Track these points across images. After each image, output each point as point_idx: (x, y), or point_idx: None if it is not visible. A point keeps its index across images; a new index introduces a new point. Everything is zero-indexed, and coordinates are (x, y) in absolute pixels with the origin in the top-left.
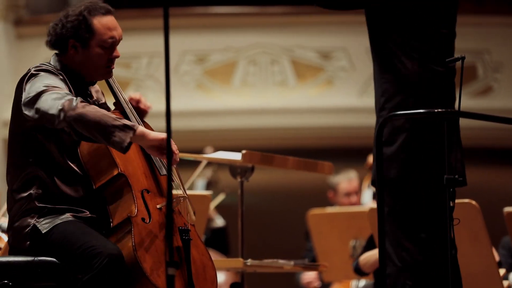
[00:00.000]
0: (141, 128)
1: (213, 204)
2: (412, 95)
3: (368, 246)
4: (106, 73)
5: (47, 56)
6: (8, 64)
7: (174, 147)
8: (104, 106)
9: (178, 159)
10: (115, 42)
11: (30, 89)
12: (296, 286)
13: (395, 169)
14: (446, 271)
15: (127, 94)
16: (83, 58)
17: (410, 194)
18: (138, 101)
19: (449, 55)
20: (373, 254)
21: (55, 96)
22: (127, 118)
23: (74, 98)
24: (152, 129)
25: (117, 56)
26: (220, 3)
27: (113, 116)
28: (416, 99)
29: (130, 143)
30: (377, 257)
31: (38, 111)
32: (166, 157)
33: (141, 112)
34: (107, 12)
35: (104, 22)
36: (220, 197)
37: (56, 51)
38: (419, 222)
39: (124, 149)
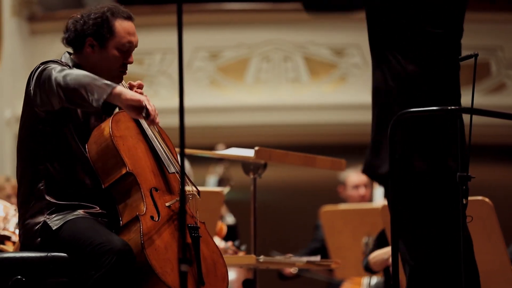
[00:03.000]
0: (119, 87)
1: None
2: (410, 94)
3: (379, 242)
4: (117, 76)
5: (61, 52)
6: (21, 60)
7: (151, 106)
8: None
9: (158, 120)
10: (131, 47)
11: (38, 79)
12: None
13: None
14: (461, 269)
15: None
16: (99, 58)
17: (425, 192)
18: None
19: (449, 54)
20: (382, 253)
21: (48, 69)
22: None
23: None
24: (166, 136)
25: (131, 62)
26: None
27: (95, 76)
28: (414, 97)
29: (107, 104)
30: (386, 256)
31: (39, 87)
32: (179, 155)
33: None
34: (128, 17)
35: (125, 26)
36: (226, 190)
37: (69, 49)
38: (434, 220)
39: (102, 107)
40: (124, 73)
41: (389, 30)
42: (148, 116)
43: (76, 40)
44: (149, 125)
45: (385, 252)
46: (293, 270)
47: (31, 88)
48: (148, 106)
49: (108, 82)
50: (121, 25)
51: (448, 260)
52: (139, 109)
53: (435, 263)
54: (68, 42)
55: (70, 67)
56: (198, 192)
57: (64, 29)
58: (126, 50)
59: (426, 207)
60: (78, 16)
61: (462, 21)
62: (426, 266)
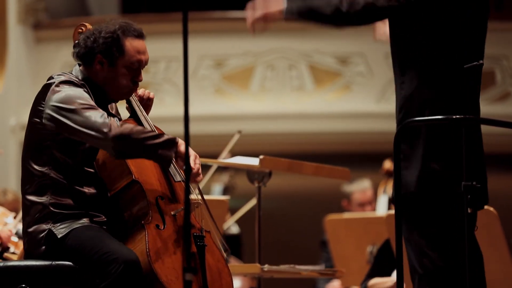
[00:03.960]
0: (180, 141)
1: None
2: (441, 107)
3: (383, 251)
4: (127, 93)
5: (66, 60)
6: (27, 68)
7: (197, 166)
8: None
9: (201, 178)
10: (141, 65)
11: (58, 101)
12: None
13: (417, 177)
14: (468, 277)
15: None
16: (108, 76)
17: (432, 202)
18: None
19: (475, 56)
20: (382, 282)
21: (94, 116)
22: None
23: (112, 119)
24: (163, 132)
25: (140, 80)
26: (239, 7)
27: (154, 133)
28: (442, 103)
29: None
30: (385, 286)
31: (72, 127)
32: (184, 164)
33: (148, 106)
34: (139, 36)
35: (135, 44)
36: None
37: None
38: (442, 230)
39: (169, 164)
40: (134, 90)
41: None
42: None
43: (86, 56)
44: (191, 182)
45: (385, 281)
46: None
47: (54, 111)
48: (194, 166)
49: (169, 137)
50: (132, 44)
51: (457, 269)
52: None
53: (445, 272)
54: (78, 57)
55: (86, 87)
56: (205, 201)
57: (76, 44)
58: (136, 69)
59: (435, 216)
60: (90, 31)
61: (483, 46)
62: (435, 275)
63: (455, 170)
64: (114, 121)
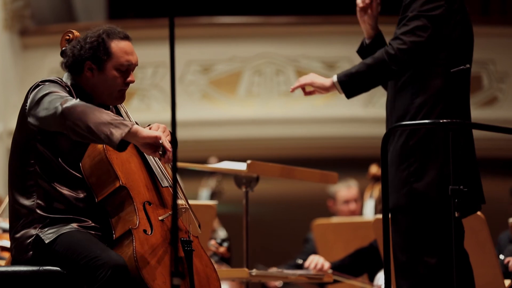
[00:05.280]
0: (135, 126)
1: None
2: (442, 109)
3: (368, 249)
4: (119, 97)
5: (53, 66)
6: (13, 74)
7: (166, 144)
8: None
9: (171, 158)
10: (130, 66)
11: (34, 97)
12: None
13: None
14: (460, 282)
15: (131, 104)
16: (98, 81)
17: (433, 207)
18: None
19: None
20: None
21: (54, 97)
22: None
23: (74, 98)
24: None
25: (132, 81)
26: (226, 13)
27: (110, 113)
28: (445, 114)
29: (125, 142)
30: None
31: (38, 115)
32: (172, 169)
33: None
34: (125, 37)
35: (122, 46)
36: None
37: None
38: (435, 235)
39: (118, 147)
40: (125, 91)
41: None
42: (164, 154)
43: (74, 65)
44: (164, 163)
45: None
46: (278, 284)
47: (30, 107)
48: (165, 144)
49: (124, 121)
50: (118, 46)
51: (447, 273)
52: (155, 147)
53: (437, 277)
54: (67, 67)
55: (70, 89)
56: (190, 207)
57: (64, 54)
58: (125, 70)
59: (430, 223)
60: (76, 40)
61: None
62: (427, 280)
63: (448, 175)
64: (70, 98)
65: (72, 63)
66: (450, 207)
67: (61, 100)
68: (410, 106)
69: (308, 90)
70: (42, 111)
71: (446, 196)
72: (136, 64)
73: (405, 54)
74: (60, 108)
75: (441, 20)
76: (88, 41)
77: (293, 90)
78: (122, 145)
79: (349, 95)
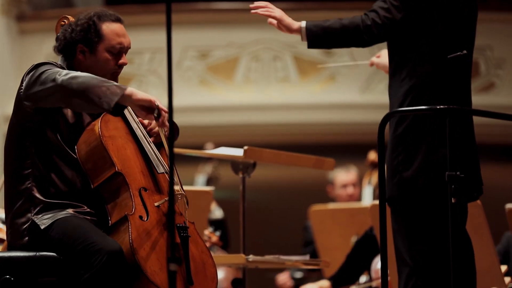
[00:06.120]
0: (130, 88)
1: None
2: (430, 95)
3: (363, 240)
4: (111, 79)
5: (50, 52)
6: (10, 60)
7: (161, 106)
8: None
9: (166, 121)
10: (123, 48)
11: (30, 79)
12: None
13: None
14: (458, 270)
15: None
16: (90, 64)
17: (424, 194)
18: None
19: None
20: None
21: (50, 72)
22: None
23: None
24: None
25: (125, 63)
26: None
27: (103, 78)
28: (434, 99)
29: (120, 105)
30: None
31: (34, 91)
32: (168, 154)
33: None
34: (116, 20)
35: (113, 28)
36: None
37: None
38: (432, 222)
39: (113, 111)
40: (118, 74)
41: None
42: (159, 116)
43: (66, 48)
44: (158, 126)
45: None
46: (289, 284)
47: (26, 88)
48: (161, 106)
49: (118, 84)
50: (109, 28)
51: (446, 261)
52: (150, 110)
53: (434, 264)
54: (59, 51)
55: (65, 68)
56: (185, 195)
57: (56, 38)
58: (117, 52)
59: (427, 209)
60: (67, 24)
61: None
62: (426, 268)
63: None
64: (66, 70)
65: (64, 46)
66: (440, 194)
67: (56, 73)
68: (398, 93)
69: (271, 22)
70: (38, 87)
71: (435, 182)
72: (128, 47)
73: (377, 29)
74: (58, 79)
75: (421, 5)
76: (79, 23)
77: (254, 8)
78: (117, 109)
79: (311, 45)
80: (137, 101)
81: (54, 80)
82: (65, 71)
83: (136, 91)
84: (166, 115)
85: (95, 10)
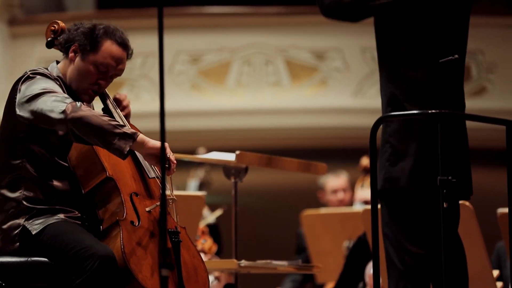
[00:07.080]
0: (141, 136)
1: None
2: (419, 102)
3: (356, 248)
4: (84, 93)
5: (41, 56)
6: (2, 64)
7: (172, 157)
8: None
9: (175, 170)
10: (109, 70)
11: (26, 90)
12: None
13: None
14: (450, 272)
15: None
16: (75, 66)
17: (414, 198)
18: (121, 101)
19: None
20: None
21: (54, 98)
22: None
23: (77, 102)
24: (138, 131)
25: (103, 85)
26: (215, 3)
27: (114, 123)
28: (423, 105)
29: (130, 151)
30: None
31: (35, 112)
32: (160, 160)
33: (127, 113)
34: (121, 44)
35: (112, 49)
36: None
37: (58, 60)
38: (422, 226)
39: (124, 156)
40: (95, 94)
41: (401, 40)
42: (169, 167)
43: (65, 43)
44: (167, 175)
45: None
46: None
47: (22, 99)
48: (171, 157)
49: (128, 130)
50: (108, 47)
51: (437, 264)
52: (159, 158)
53: (426, 268)
54: (60, 43)
55: (60, 82)
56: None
57: (47, 44)
58: (103, 71)
59: (417, 213)
60: (79, 22)
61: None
62: (416, 271)
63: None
64: (75, 104)
65: (64, 40)
66: (426, 196)
67: (64, 104)
68: (384, 97)
69: None
70: (44, 110)
71: (422, 184)
72: (117, 74)
73: (324, 9)
74: (67, 114)
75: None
76: (86, 26)
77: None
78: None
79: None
80: (149, 149)
81: (61, 112)
82: (73, 104)
83: (147, 139)
84: (175, 165)
85: (109, 24)
